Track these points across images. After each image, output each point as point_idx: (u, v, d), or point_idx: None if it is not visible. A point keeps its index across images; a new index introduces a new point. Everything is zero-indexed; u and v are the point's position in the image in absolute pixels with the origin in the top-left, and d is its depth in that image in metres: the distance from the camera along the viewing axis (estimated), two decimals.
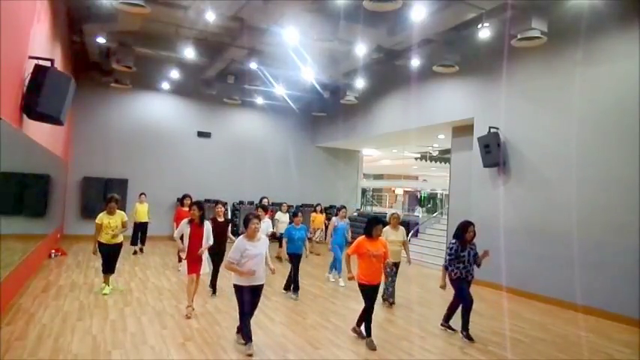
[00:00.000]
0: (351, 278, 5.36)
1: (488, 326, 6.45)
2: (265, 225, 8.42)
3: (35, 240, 7.74)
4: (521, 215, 8.88)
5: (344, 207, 9.54)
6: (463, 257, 5.76)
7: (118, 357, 4.51)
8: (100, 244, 6.94)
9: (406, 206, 25.18)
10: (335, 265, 9.15)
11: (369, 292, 5.28)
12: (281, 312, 6.58)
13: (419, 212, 18.41)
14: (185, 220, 6.37)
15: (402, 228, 7.39)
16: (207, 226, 6.45)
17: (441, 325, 6.10)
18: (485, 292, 8.76)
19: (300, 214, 7.93)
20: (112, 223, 6.87)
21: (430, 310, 7.33)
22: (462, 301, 5.80)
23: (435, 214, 16.42)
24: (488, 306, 7.76)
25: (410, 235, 13.59)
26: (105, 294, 6.96)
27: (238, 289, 4.84)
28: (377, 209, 23.46)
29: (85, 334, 5.11)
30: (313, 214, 11.75)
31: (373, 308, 5.33)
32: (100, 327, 5.41)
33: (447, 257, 5.90)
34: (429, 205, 20.32)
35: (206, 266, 6.48)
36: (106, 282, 7.15)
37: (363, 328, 5.41)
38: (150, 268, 9.49)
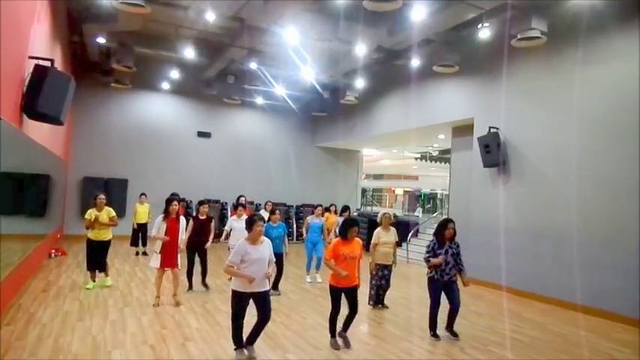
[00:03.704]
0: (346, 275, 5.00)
1: (488, 326, 6.45)
2: (243, 223, 8.26)
3: (35, 240, 7.74)
4: (521, 215, 8.88)
5: (320, 205, 9.63)
6: (440, 255, 5.58)
7: (118, 357, 4.52)
8: (88, 240, 7.28)
9: (406, 206, 25.22)
10: (309, 265, 9.04)
11: (338, 295, 5.08)
12: (282, 312, 6.57)
13: (419, 212, 18.43)
14: (160, 217, 6.60)
15: (393, 229, 7.13)
16: (183, 221, 6.77)
17: (429, 333, 5.73)
18: (485, 292, 8.76)
19: (277, 211, 7.76)
20: (98, 218, 7.18)
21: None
22: (434, 304, 5.63)
23: (435, 214, 16.42)
24: (488, 306, 7.76)
25: (410, 235, 13.60)
26: (88, 289, 7.20)
27: (237, 296, 4.51)
28: (377, 209, 23.48)
29: (85, 334, 5.11)
30: (327, 215, 11.74)
31: (354, 312, 5.13)
32: (100, 327, 5.41)
33: (424, 255, 5.71)
34: (429, 205, 20.33)
35: (179, 262, 6.72)
36: (93, 279, 7.42)
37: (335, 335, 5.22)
38: (150, 268, 9.45)
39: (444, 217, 13.94)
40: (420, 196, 25.03)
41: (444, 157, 19.85)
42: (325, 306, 7.12)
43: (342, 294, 5.11)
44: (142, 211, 10.78)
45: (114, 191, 13.52)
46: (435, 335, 5.69)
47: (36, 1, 6.22)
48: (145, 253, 11.00)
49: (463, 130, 11.02)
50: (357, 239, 5.23)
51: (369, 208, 22.20)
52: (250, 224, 4.56)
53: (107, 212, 7.29)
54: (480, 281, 8.95)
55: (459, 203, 11.16)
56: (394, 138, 15.15)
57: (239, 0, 8.58)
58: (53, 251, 10.20)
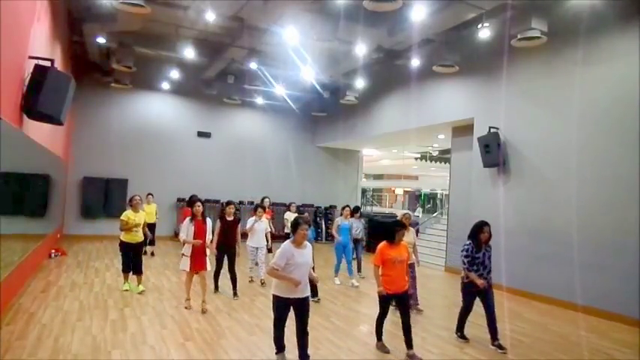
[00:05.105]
0: (381, 292, 5.00)
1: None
2: (263, 225, 8.40)
3: (35, 240, 7.73)
4: (521, 215, 8.88)
5: (348, 206, 9.57)
6: (478, 259, 5.42)
7: (118, 357, 4.52)
8: (123, 243, 7.22)
9: (406, 206, 25.25)
10: (338, 267, 9.07)
11: (389, 301, 5.05)
12: None
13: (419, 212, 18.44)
14: (188, 219, 6.50)
15: (412, 229, 7.20)
16: (209, 222, 6.65)
17: (455, 334, 5.76)
18: None
19: (306, 213, 7.84)
20: (136, 220, 7.17)
21: (431, 310, 7.32)
22: (465, 309, 5.60)
23: (435, 214, 16.43)
24: None
25: None
26: (126, 290, 7.22)
27: (278, 301, 4.35)
28: (377, 209, 23.50)
29: (85, 334, 5.11)
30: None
31: (408, 318, 4.98)
32: (100, 327, 5.41)
33: (464, 260, 5.46)
34: (429, 205, 20.32)
35: (208, 264, 6.59)
36: (126, 279, 7.39)
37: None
38: (150, 268, 9.47)
39: (445, 217, 14.01)
40: (420, 196, 25.05)
41: (444, 157, 19.86)
42: (326, 306, 7.14)
43: (393, 299, 5.15)
44: (149, 211, 10.62)
45: (114, 191, 13.53)
46: (462, 336, 5.67)
47: (36, 1, 6.22)
48: (152, 253, 11.01)
49: (463, 130, 11.02)
50: (403, 242, 5.16)
51: (369, 208, 22.22)
52: (295, 227, 4.39)
53: (143, 215, 7.42)
54: None
55: (459, 203, 11.16)
56: (394, 138, 15.15)
57: (239, 0, 8.58)
58: (53, 251, 10.19)
